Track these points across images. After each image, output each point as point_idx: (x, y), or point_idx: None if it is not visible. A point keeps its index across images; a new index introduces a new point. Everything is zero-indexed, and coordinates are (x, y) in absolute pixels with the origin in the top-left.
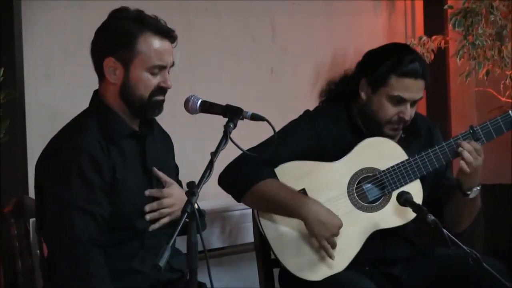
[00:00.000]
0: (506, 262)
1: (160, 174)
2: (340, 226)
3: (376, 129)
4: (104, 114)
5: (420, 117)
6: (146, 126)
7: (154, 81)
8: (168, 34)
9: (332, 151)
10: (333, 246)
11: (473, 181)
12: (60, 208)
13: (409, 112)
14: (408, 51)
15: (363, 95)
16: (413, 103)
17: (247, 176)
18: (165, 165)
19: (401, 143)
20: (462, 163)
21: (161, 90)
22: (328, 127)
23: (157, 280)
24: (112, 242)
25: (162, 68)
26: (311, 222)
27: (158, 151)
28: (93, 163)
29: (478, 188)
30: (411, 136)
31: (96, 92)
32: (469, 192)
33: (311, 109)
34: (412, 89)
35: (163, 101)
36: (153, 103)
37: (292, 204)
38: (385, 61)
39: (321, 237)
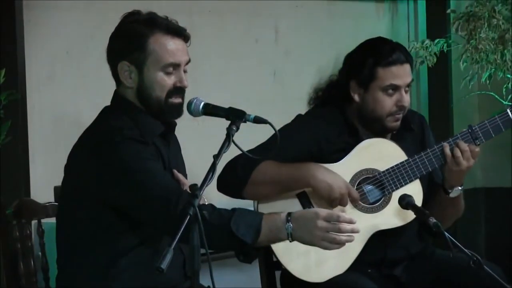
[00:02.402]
0: (507, 265)
1: (180, 176)
2: (346, 184)
3: (377, 126)
4: (131, 112)
5: (408, 110)
6: (169, 127)
7: (169, 81)
8: (179, 33)
9: (329, 153)
10: (345, 204)
11: (456, 180)
12: (147, 179)
13: (405, 98)
14: (385, 42)
15: (356, 97)
16: (406, 88)
17: (244, 165)
18: (178, 165)
19: (394, 137)
20: (451, 160)
21: (178, 90)
22: (323, 129)
23: (173, 286)
24: (132, 244)
25: (176, 66)
26: (320, 188)
27: (176, 152)
28: (151, 149)
29: (460, 188)
30: (403, 129)
31: (117, 92)
32: (450, 191)
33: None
34: (401, 74)
35: (180, 104)
36: (170, 106)
37: (296, 176)
38: (367, 58)
39: (333, 199)
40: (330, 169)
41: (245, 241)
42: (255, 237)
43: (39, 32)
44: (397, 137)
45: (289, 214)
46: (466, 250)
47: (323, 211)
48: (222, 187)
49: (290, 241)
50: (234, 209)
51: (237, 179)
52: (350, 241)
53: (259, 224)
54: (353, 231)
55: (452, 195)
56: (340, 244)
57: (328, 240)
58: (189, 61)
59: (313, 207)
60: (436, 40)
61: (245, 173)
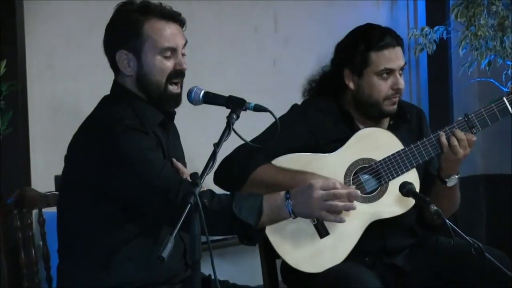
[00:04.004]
0: (508, 252)
1: (179, 165)
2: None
3: (374, 111)
4: (131, 101)
5: (406, 103)
6: (168, 116)
7: (169, 64)
8: (173, 17)
9: (326, 143)
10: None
11: (452, 169)
12: (148, 170)
13: (400, 81)
14: (374, 27)
15: (351, 85)
16: (400, 71)
17: (243, 166)
18: (177, 154)
19: (391, 129)
20: (448, 149)
21: (178, 73)
22: (319, 119)
23: (173, 275)
24: (133, 233)
25: (173, 50)
26: None
27: (175, 140)
28: (152, 139)
29: (457, 176)
30: (399, 121)
31: (116, 81)
32: (447, 180)
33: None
34: (394, 57)
35: (178, 94)
36: (168, 95)
37: (293, 185)
38: (359, 45)
39: None
40: (327, 159)
41: (249, 223)
42: (258, 218)
43: (38, 22)
44: (394, 128)
45: (287, 191)
46: (467, 238)
47: (318, 182)
48: (218, 183)
49: (293, 218)
50: (233, 194)
51: (233, 181)
52: (349, 208)
53: (261, 205)
54: (349, 195)
55: (449, 184)
56: (338, 211)
57: (325, 208)
58: (186, 43)
59: None
60: (436, 27)
61: (241, 176)
